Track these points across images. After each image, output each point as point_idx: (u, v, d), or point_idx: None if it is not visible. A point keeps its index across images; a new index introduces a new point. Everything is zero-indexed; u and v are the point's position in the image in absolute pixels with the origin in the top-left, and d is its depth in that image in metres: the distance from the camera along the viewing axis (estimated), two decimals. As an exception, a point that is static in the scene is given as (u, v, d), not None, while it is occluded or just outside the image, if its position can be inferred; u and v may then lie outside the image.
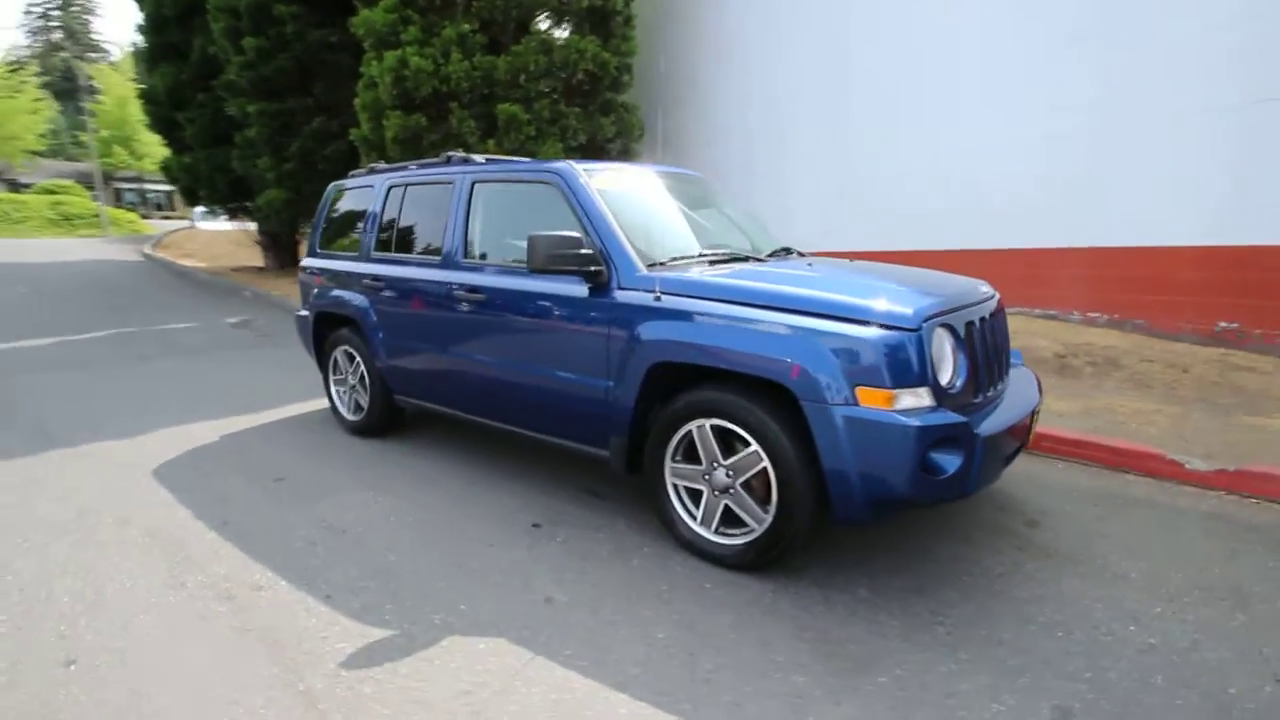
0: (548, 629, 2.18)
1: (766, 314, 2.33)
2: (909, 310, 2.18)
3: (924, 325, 2.16)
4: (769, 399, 2.34)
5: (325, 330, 4.36)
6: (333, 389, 4.36)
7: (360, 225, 4.08)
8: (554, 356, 2.94)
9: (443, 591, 2.42)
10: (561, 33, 9.67)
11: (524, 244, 3.61)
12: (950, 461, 2.14)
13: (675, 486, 2.66)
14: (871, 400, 2.12)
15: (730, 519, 2.53)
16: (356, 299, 3.94)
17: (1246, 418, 4.03)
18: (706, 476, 2.54)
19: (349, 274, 4.05)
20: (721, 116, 10.38)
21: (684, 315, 2.51)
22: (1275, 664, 1.99)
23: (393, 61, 8.37)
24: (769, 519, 2.38)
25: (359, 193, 4.20)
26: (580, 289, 2.83)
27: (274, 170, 11.32)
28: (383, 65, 8.52)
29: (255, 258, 15.16)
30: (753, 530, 2.45)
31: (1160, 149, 5.45)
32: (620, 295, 2.69)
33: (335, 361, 4.28)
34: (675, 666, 1.99)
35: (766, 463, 2.34)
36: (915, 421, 2.08)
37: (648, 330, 2.58)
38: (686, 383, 2.58)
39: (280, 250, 14.49)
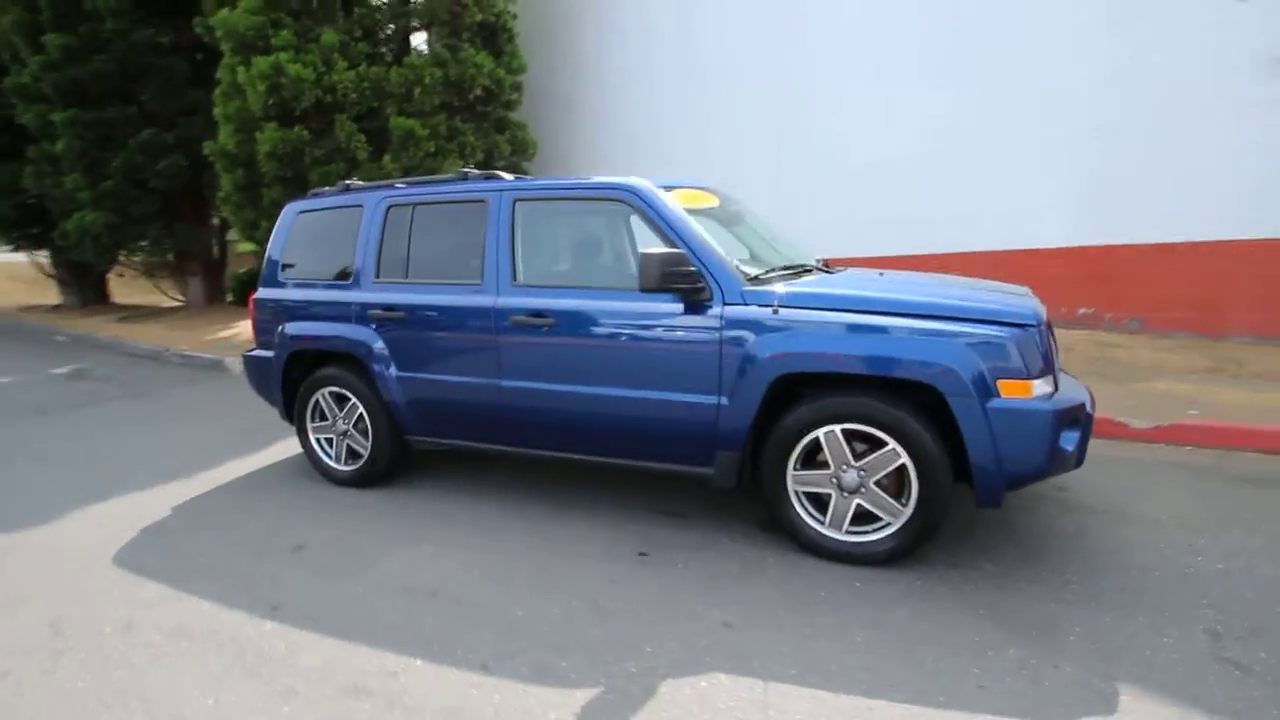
0: (752, 655, 2.11)
1: (902, 321, 2.48)
2: (1030, 310, 2.45)
3: (1041, 322, 2.46)
4: (905, 399, 2.50)
5: (298, 372, 3.78)
6: (312, 438, 3.77)
7: (347, 249, 3.61)
8: (651, 377, 2.84)
9: (608, 637, 2.23)
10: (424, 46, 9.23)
11: (589, 263, 3.49)
12: (1070, 439, 2.44)
13: (797, 493, 2.71)
14: (1013, 391, 2.35)
15: (859, 518, 2.65)
16: (355, 331, 3.47)
17: (1135, 384, 5.01)
18: (835, 479, 2.63)
19: (338, 303, 3.55)
20: (606, 137, 10.58)
21: (810, 327, 2.58)
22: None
23: (266, 68, 7.43)
24: (908, 512, 2.52)
25: (339, 214, 3.70)
26: (675, 306, 2.78)
27: (89, 190, 9.43)
28: (252, 72, 7.53)
29: (47, 294, 12.48)
30: (889, 525, 2.57)
31: (1027, 166, 6.58)
32: (731, 311, 2.69)
33: (316, 407, 3.72)
34: (902, 665, 2.04)
35: (905, 459, 2.48)
36: (1051, 406, 2.35)
37: (770, 344, 2.61)
38: (803, 393, 2.66)
39: (86, 285, 12.06)
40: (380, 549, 2.95)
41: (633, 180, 3.00)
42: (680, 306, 2.77)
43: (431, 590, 2.58)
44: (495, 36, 9.12)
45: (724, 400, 2.71)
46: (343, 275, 3.60)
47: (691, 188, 3.29)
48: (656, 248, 2.72)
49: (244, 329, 10.62)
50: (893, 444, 2.49)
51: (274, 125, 7.59)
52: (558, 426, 3.09)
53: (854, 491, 2.60)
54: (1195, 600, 2.32)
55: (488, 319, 3.13)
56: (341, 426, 3.66)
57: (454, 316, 3.24)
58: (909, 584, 2.50)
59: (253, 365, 3.94)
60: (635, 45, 9.99)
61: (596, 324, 2.92)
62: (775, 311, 2.63)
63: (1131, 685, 1.91)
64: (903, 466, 2.50)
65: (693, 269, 2.69)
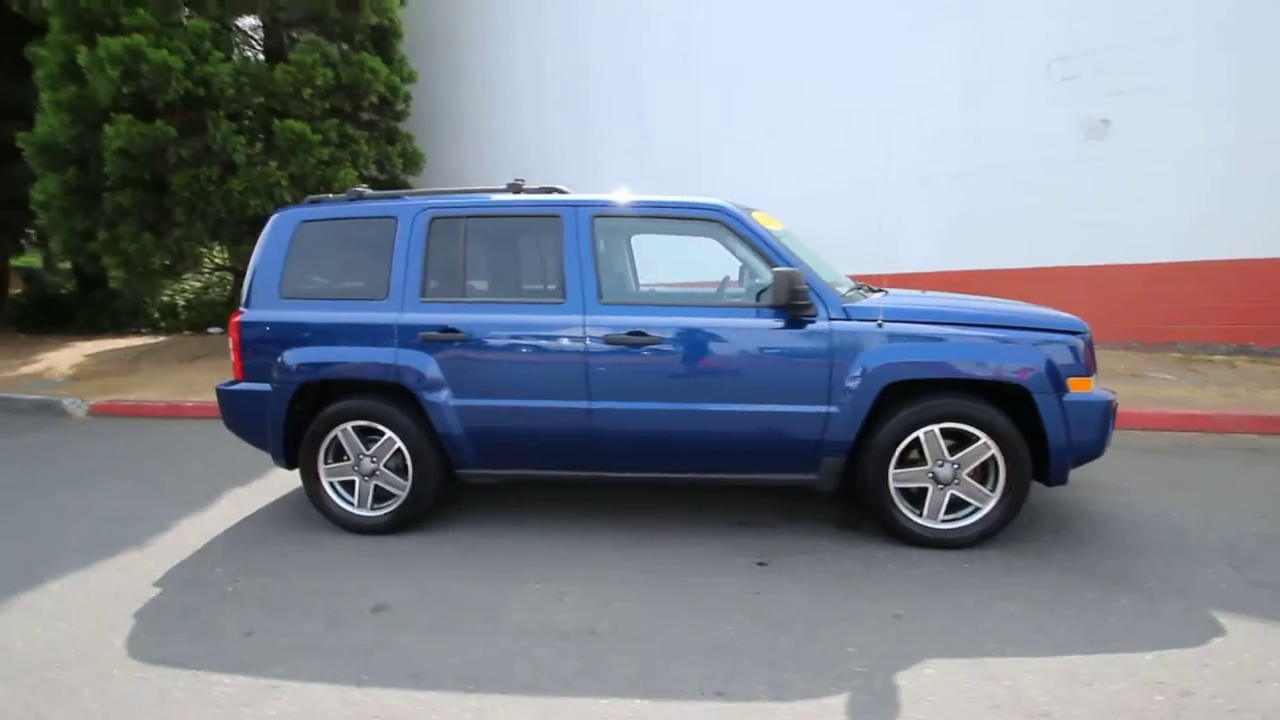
0: (937, 639, 2.28)
1: (987, 331, 2.87)
2: (1081, 321, 2.97)
3: (1089, 330, 2.99)
4: (988, 398, 2.88)
5: (307, 406, 3.24)
6: (325, 482, 3.25)
7: (377, 264, 3.21)
8: (763, 391, 2.92)
9: (802, 644, 2.27)
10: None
11: (679, 280, 3.45)
12: (1111, 425, 3.00)
13: (896, 490, 2.96)
14: (1079, 387, 2.84)
15: (949, 507, 2.96)
16: (400, 356, 3.08)
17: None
18: (931, 474, 2.93)
19: (370, 325, 3.13)
20: (496, 151, 10.36)
21: (915, 338, 2.87)
22: None
23: (120, 51, 6.21)
24: (995, 497, 2.90)
25: (361, 224, 3.29)
26: (780, 321, 2.92)
27: None
28: (99, 54, 6.24)
29: None
30: (978, 510, 2.93)
31: (902, 206, 7.72)
32: (838, 325, 2.89)
33: (332, 445, 3.22)
34: (1058, 625, 2.34)
35: (995, 450, 2.85)
36: (1106, 397, 2.88)
37: (879, 354, 2.85)
38: (905, 398, 2.93)
39: None
40: (486, 596, 2.66)
41: (722, 201, 3.09)
42: (782, 321, 2.92)
43: (587, 629, 2.40)
44: (385, 41, 8.51)
45: (833, 409, 2.89)
46: (373, 293, 3.19)
47: (754, 210, 3.46)
48: (784, 266, 2.84)
49: (53, 361, 8.55)
50: (984, 438, 2.86)
51: (129, 118, 6.31)
52: (658, 447, 3.04)
53: (948, 484, 2.92)
54: (1203, 542, 2.97)
55: (575, 339, 3.00)
56: (368, 465, 3.20)
57: (533, 337, 3.05)
58: (1004, 560, 2.86)
59: (236, 402, 3.30)
60: (525, 60, 9.94)
61: (704, 341, 2.95)
62: (879, 325, 2.88)
63: (1215, 609, 2.40)
64: (991, 457, 2.87)
65: (805, 287, 2.85)
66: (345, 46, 7.75)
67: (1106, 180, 6.93)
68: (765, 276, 2.96)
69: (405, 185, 9.33)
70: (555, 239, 3.11)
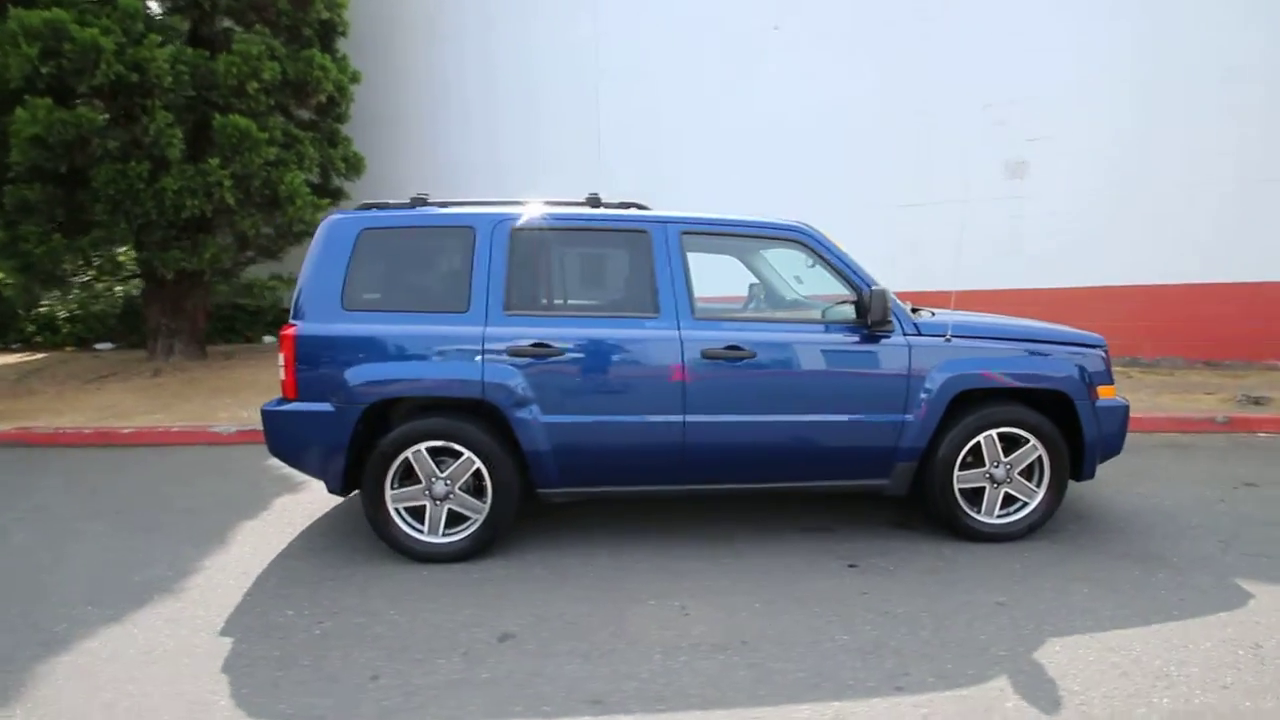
0: (1047, 619, 2.54)
1: (1032, 345, 3.24)
2: (1101, 337, 3.42)
3: (1106, 344, 3.45)
4: (1038, 405, 3.24)
5: (375, 426, 3.01)
6: (391, 508, 3.03)
7: (454, 275, 3.07)
8: (850, 402, 3.11)
9: (945, 637, 2.44)
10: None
11: (765, 297, 3.53)
12: (1128, 426, 3.46)
13: (959, 490, 3.24)
14: (1105, 393, 3.27)
15: (1003, 504, 3.29)
16: (488, 372, 2.95)
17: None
18: (988, 475, 3.24)
19: (453, 339, 2.99)
20: (440, 163, 10.05)
21: (978, 352, 3.18)
22: None
23: (38, 25, 5.42)
24: (1041, 493, 3.26)
25: (433, 234, 3.14)
26: (859, 336, 3.13)
27: None
28: (10, 25, 5.40)
29: None
30: (1027, 505, 3.27)
31: (869, 229, 8.37)
32: (914, 339, 3.14)
33: (402, 468, 3.01)
34: (1136, 598, 2.69)
35: (1041, 451, 3.22)
36: (1124, 402, 3.33)
37: (949, 366, 3.13)
38: (964, 406, 3.22)
39: None
40: (608, 615, 2.62)
41: (798, 222, 3.27)
42: (865, 336, 3.13)
43: (736, 640, 2.44)
44: (329, 38, 8.00)
45: (909, 417, 3.14)
46: (451, 305, 3.04)
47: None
48: (861, 284, 3.05)
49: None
50: (1033, 440, 3.22)
51: (48, 103, 5.46)
52: (747, 459, 3.13)
53: (1002, 483, 3.25)
54: (1189, 524, 3.50)
55: (672, 353, 3.03)
56: (441, 489, 3.03)
57: (631, 351, 3.04)
58: (1052, 550, 3.20)
59: (291, 424, 3.00)
60: (477, 72, 9.73)
61: (795, 356, 3.10)
62: (948, 340, 3.17)
63: (1234, 577, 2.87)
64: (1038, 458, 3.24)
65: (890, 304, 3.08)
66: (284, 40, 7.17)
67: (1018, 214, 7.94)
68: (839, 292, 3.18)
69: (343, 193, 8.77)
70: (644, 254, 3.13)
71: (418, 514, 3.09)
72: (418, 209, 3.19)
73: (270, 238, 7.28)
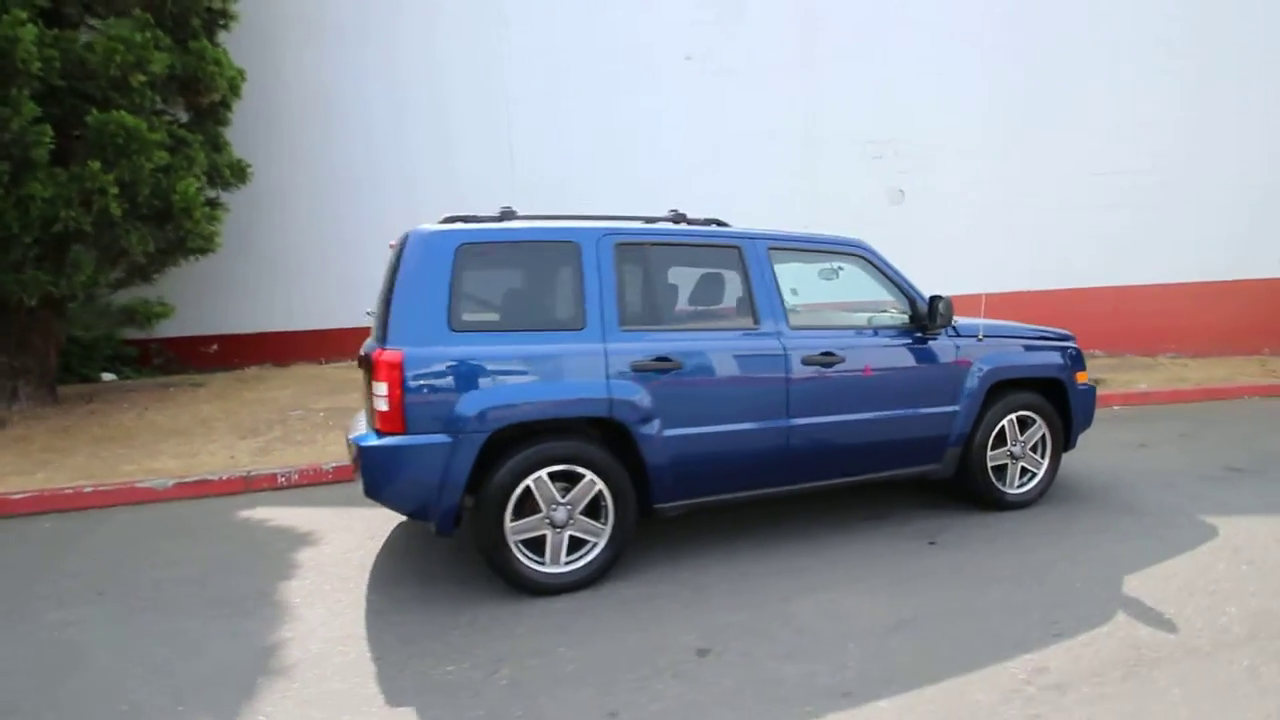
0: (1120, 565, 3.08)
1: (1032, 342, 3.88)
2: (1071, 333, 4.16)
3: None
4: (1038, 391, 3.88)
5: (494, 455, 2.78)
6: (512, 541, 2.81)
7: (563, 291, 2.96)
8: (916, 396, 3.50)
9: (1066, 598, 2.82)
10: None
11: (864, 304, 3.79)
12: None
13: (990, 469, 3.76)
14: (1081, 378, 4.01)
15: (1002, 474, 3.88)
16: (614, 389, 2.88)
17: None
18: (1010, 453, 3.80)
19: (574, 357, 2.88)
20: (342, 170, 9.23)
21: (1003, 348, 3.73)
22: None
23: None
24: (1045, 464, 3.90)
25: (536, 248, 3.00)
26: (921, 338, 3.54)
27: None
28: None
29: None
30: (1035, 475, 3.89)
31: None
32: (958, 340, 3.62)
33: (523, 498, 2.81)
34: (1164, 541, 3.35)
35: (1045, 430, 3.86)
36: (1094, 385, 4.10)
37: (985, 361, 3.65)
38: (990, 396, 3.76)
39: None
40: (780, 618, 2.70)
41: (856, 238, 3.62)
42: (926, 338, 3.55)
43: (905, 619, 2.65)
44: (212, 31, 6.97)
45: (957, 408, 3.60)
46: (568, 323, 2.92)
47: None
48: (912, 293, 3.50)
49: None
50: (1040, 421, 3.85)
51: None
52: (838, 455, 3.38)
53: (1019, 459, 3.84)
54: (1132, 482, 4.39)
55: (776, 361, 3.19)
56: (561, 515, 2.88)
57: (740, 362, 3.15)
58: (1060, 511, 3.83)
59: (400, 460, 2.67)
60: (382, 82, 9.05)
61: (875, 358, 3.42)
62: (980, 340, 3.70)
63: (1204, 515, 3.68)
64: (1043, 435, 3.88)
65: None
66: (169, 29, 6.11)
67: (900, 235, 9.18)
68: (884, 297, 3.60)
69: (220, 204, 7.62)
70: (739, 269, 3.27)
71: (531, 545, 2.90)
72: (512, 223, 3.02)
73: (152, 256, 6.10)
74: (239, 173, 7.34)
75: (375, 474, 2.71)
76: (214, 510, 4.26)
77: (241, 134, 7.86)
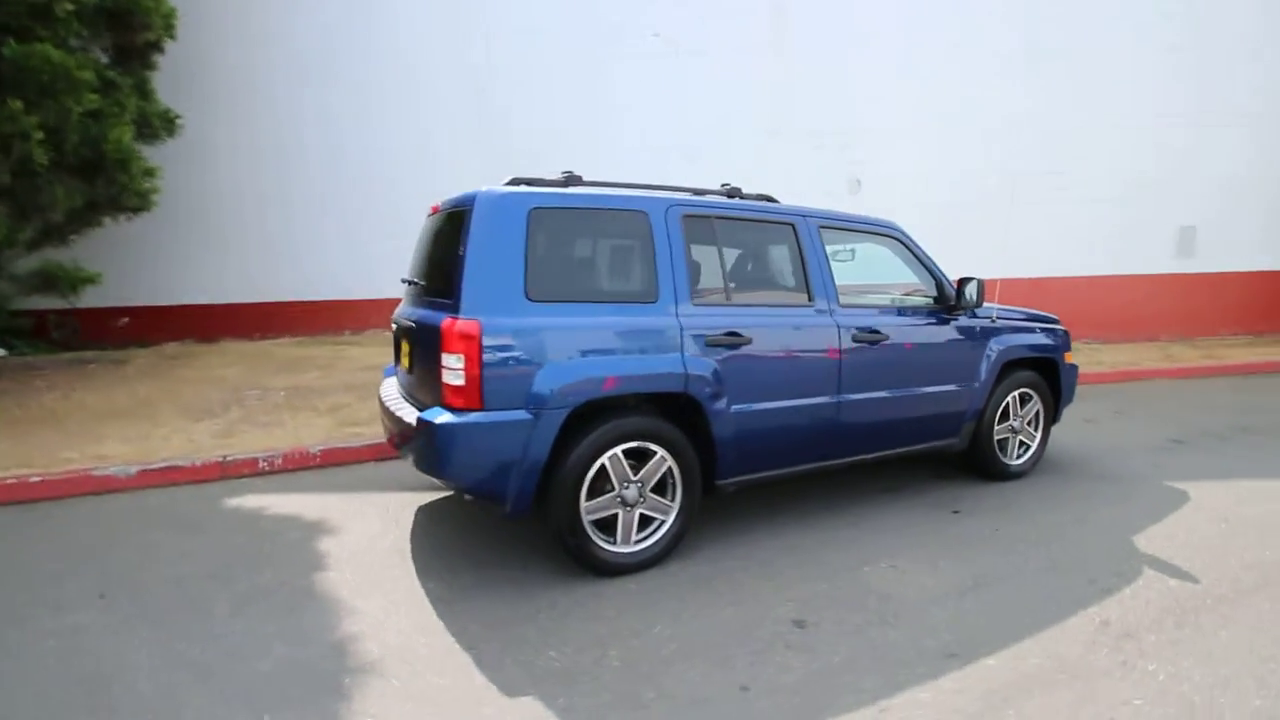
0: (1125, 524, 3.39)
1: (1035, 324, 4.16)
2: (1057, 316, 4.49)
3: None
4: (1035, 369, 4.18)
5: (574, 431, 2.65)
6: (586, 522, 2.70)
7: (634, 262, 2.85)
8: (946, 373, 3.68)
9: (1101, 554, 3.09)
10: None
11: (873, 285, 3.88)
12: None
13: (998, 442, 4.02)
14: (1069, 358, 4.35)
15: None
16: (691, 364, 2.82)
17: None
18: (1012, 427, 4.08)
19: (650, 331, 2.80)
20: (289, 134, 8.51)
21: (1012, 330, 3.97)
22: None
23: None
24: (1038, 436, 4.21)
25: (605, 216, 2.87)
26: (949, 318, 3.72)
27: None
28: None
29: None
30: (1030, 446, 4.19)
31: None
32: (976, 321, 3.82)
33: (599, 476, 2.71)
34: (1147, 501, 3.71)
35: (1040, 405, 4.17)
36: (1076, 364, 4.46)
37: (999, 341, 3.89)
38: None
39: None
40: (857, 587, 2.79)
41: (891, 220, 3.72)
42: (952, 319, 3.73)
43: (968, 585, 2.80)
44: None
45: (975, 384, 3.82)
46: (642, 295, 2.82)
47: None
48: (937, 272, 3.68)
49: None
50: (1036, 397, 4.15)
51: None
52: (878, 430, 3.49)
53: (1018, 433, 4.13)
54: (1101, 453, 4.84)
55: (830, 337, 3.24)
56: (633, 494, 2.81)
57: (799, 337, 3.18)
58: (1051, 479, 4.17)
59: (480, 438, 2.49)
60: (346, 39, 8.29)
61: (914, 337, 3.55)
62: (994, 321, 3.92)
63: (1168, 481, 4.12)
64: (1038, 409, 4.19)
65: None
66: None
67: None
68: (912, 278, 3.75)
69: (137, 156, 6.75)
70: (792, 245, 3.28)
71: (599, 525, 2.81)
72: (582, 189, 2.87)
73: (73, 214, 5.30)
74: (168, 124, 6.51)
75: (449, 453, 2.51)
76: (193, 499, 3.82)
77: (170, 82, 6.97)
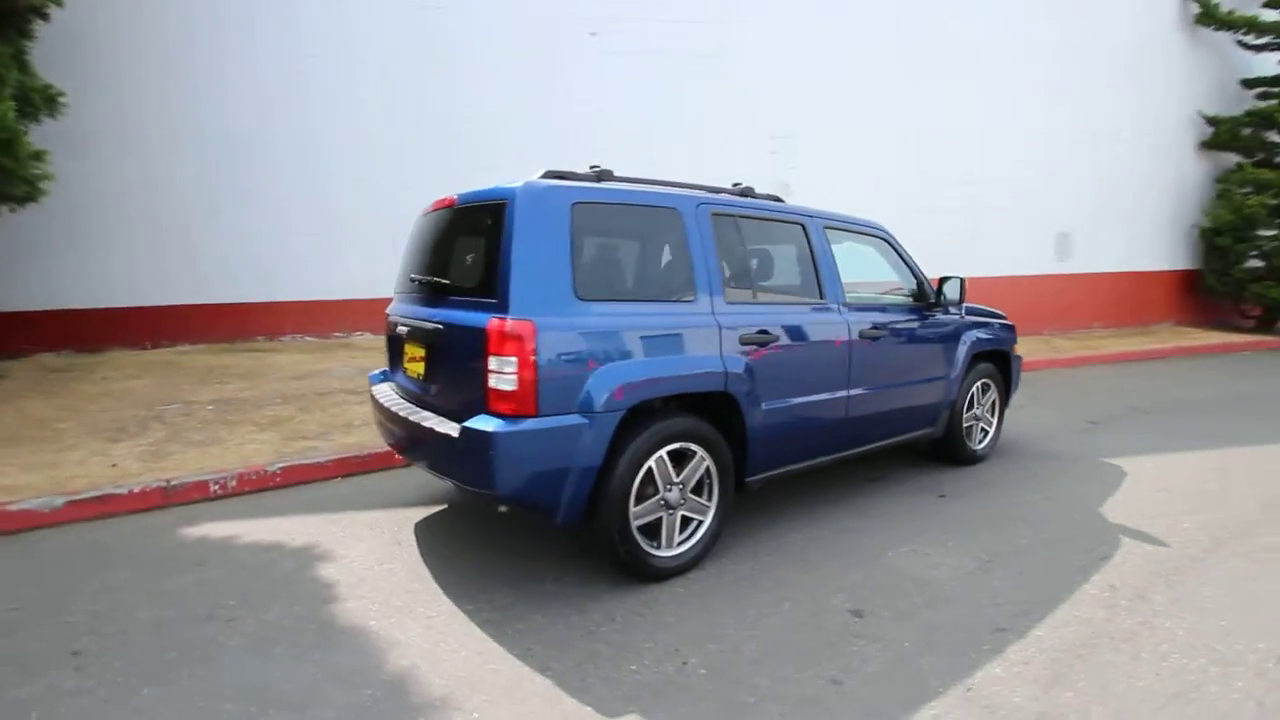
0: (1097, 494, 3.75)
1: (991, 320, 4.52)
2: (1004, 312, 4.89)
3: (1004, 317, 4.96)
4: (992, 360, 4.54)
5: (629, 431, 2.57)
6: (634, 526, 2.61)
7: (671, 259, 2.80)
8: (928, 366, 3.91)
9: (1078, 526, 3.40)
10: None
11: (862, 283, 4.02)
12: (1016, 372, 5.06)
13: (966, 427, 4.33)
14: (1016, 349, 4.76)
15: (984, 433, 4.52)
16: (729, 362, 2.79)
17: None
18: (975, 415, 4.41)
19: (692, 329, 2.76)
20: (202, 116, 7.59)
21: (977, 325, 4.29)
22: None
23: None
24: (995, 423, 4.58)
25: (640, 212, 2.82)
26: (932, 314, 3.95)
27: None
28: None
29: None
30: (988, 433, 4.55)
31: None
32: (950, 316, 4.09)
33: (646, 479, 2.63)
34: (1095, 471, 4.12)
35: (997, 394, 4.54)
36: (1021, 355, 4.89)
37: (969, 335, 4.18)
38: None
39: None
40: (890, 574, 2.90)
41: (880, 223, 3.89)
42: (934, 314, 3.97)
43: (981, 562, 3.00)
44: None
45: (952, 375, 4.09)
46: (679, 293, 2.77)
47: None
48: (914, 270, 3.93)
49: None
50: (994, 387, 4.52)
51: None
52: (881, 421, 3.64)
53: (979, 420, 4.47)
54: (1038, 439, 5.34)
55: (842, 334, 3.35)
56: (674, 496, 2.76)
57: (816, 335, 3.26)
58: (1016, 467, 4.55)
59: (535, 447, 2.33)
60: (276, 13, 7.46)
61: (910, 332, 3.75)
62: (963, 316, 4.21)
63: (1106, 459, 4.62)
64: (995, 398, 4.56)
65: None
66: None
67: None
68: (893, 276, 3.98)
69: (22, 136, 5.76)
70: (803, 245, 3.36)
71: (649, 530, 2.74)
72: (615, 184, 2.77)
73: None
74: (49, 102, 5.59)
75: (501, 463, 2.33)
76: (141, 532, 3.31)
77: (45, 55, 5.98)
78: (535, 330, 2.36)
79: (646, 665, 2.22)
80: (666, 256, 2.86)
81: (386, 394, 3.19)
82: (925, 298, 3.97)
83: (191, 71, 7.57)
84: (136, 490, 3.57)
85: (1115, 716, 1.98)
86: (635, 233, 2.86)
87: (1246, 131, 10.39)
